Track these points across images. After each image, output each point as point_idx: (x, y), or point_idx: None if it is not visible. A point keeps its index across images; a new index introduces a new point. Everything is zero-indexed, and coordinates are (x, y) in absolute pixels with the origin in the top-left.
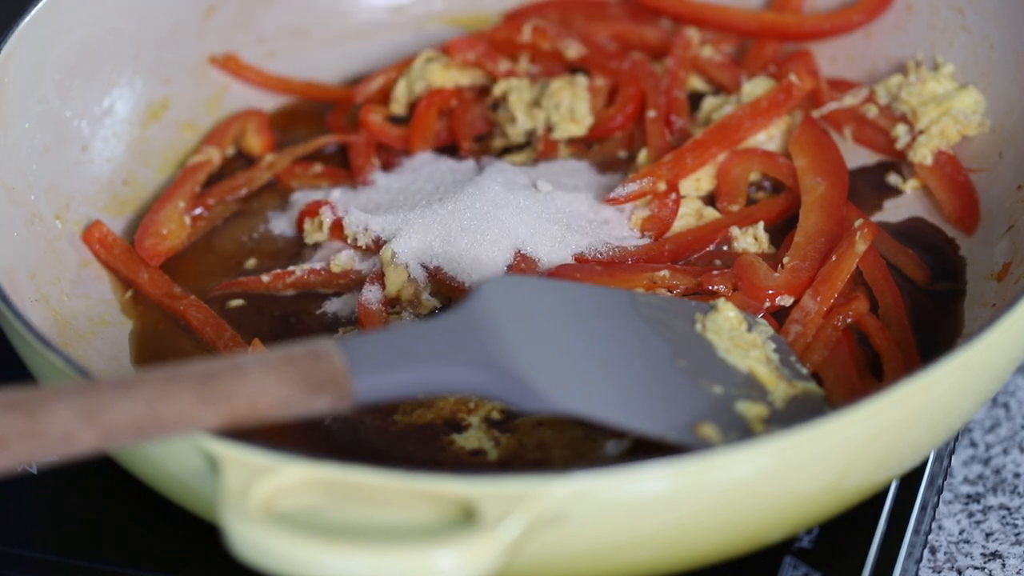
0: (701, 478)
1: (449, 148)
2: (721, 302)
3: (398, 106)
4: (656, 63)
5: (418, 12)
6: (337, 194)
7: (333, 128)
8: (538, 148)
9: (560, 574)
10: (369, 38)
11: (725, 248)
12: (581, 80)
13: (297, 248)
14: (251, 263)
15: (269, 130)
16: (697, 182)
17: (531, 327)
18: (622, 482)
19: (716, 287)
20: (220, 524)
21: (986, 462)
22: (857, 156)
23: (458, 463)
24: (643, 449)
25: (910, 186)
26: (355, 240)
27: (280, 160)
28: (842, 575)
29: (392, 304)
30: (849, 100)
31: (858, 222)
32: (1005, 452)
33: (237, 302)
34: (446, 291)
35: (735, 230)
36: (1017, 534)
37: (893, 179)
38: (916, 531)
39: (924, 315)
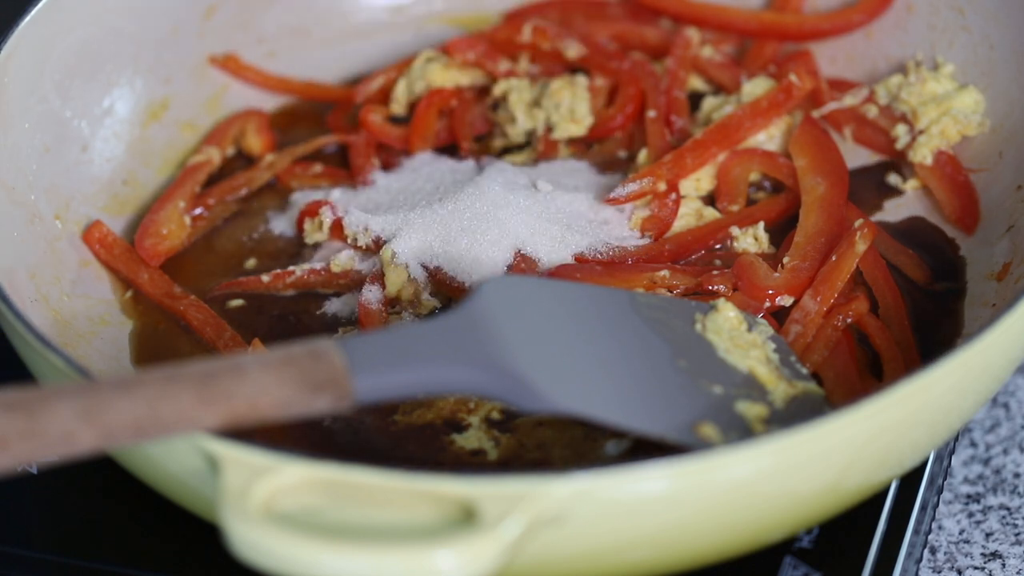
0: (701, 478)
1: (449, 148)
2: (721, 302)
3: (398, 106)
4: (656, 63)
5: (418, 12)
6: (337, 194)
7: (333, 128)
8: (538, 148)
9: (560, 574)
10: (369, 38)
11: (724, 248)
12: (581, 80)
13: (297, 248)
14: (251, 263)
15: (269, 130)
16: (697, 182)
17: (531, 327)
18: (622, 482)
19: (716, 287)
20: (220, 524)
21: (986, 462)
22: (857, 156)
23: (458, 463)
24: (643, 449)
25: (910, 186)
26: (355, 240)
27: (280, 160)
28: (842, 575)
29: (392, 304)
30: (849, 100)
31: (858, 222)
32: (1005, 452)
33: (237, 302)
34: (446, 291)
35: (735, 230)
36: (1017, 534)
37: (893, 179)
38: (916, 531)
39: (924, 315)
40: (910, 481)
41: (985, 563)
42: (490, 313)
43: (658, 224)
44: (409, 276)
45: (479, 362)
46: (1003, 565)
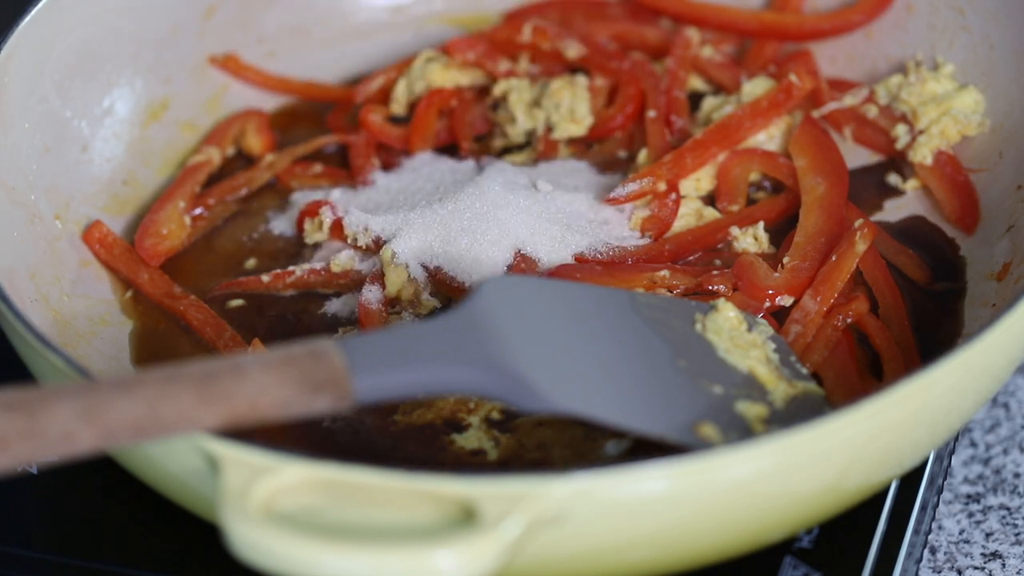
0: (701, 478)
1: (449, 148)
2: (721, 302)
3: (398, 106)
4: (656, 63)
5: (418, 12)
6: (337, 194)
7: (333, 128)
8: (538, 148)
9: (560, 574)
10: (369, 38)
11: (725, 248)
12: (581, 80)
13: (297, 248)
14: (251, 263)
15: (269, 130)
16: (697, 182)
17: (531, 327)
18: (622, 482)
19: (716, 287)
20: (220, 524)
21: (986, 462)
22: (857, 156)
23: (458, 463)
24: (643, 449)
25: (910, 186)
26: (355, 240)
27: (280, 160)
28: (842, 575)
29: (392, 304)
30: (849, 100)
31: (858, 222)
32: (1005, 452)
33: (237, 302)
34: (446, 291)
35: (735, 230)
36: (1017, 534)
37: (893, 179)
38: (916, 531)
39: (924, 315)
40: (910, 481)
41: (985, 563)
42: (490, 313)
43: (658, 224)
44: (409, 276)
45: (479, 362)
46: (1003, 565)
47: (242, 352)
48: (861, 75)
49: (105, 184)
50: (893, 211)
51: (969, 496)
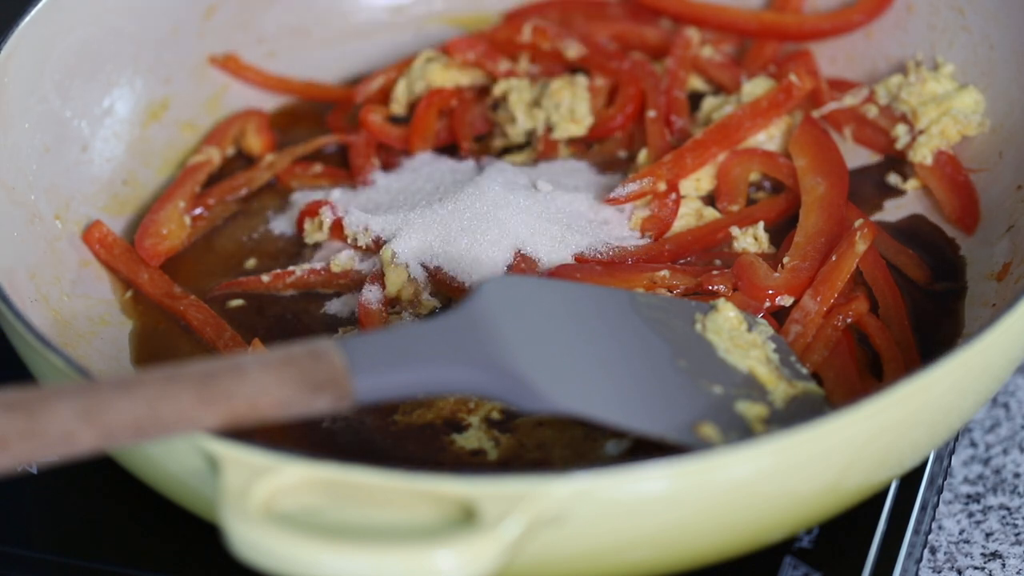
0: (701, 478)
1: (449, 148)
2: (721, 302)
3: (398, 106)
4: (656, 63)
5: (418, 12)
6: (337, 194)
7: (333, 128)
8: (538, 148)
9: (560, 574)
10: (369, 38)
11: (725, 248)
12: (581, 80)
13: (297, 248)
14: (251, 263)
15: (269, 130)
16: (697, 182)
17: (531, 327)
18: (622, 482)
19: (716, 287)
20: (220, 524)
21: (986, 462)
22: (857, 156)
23: (458, 463)
24: (643, 449)
25: (910, 186)
26: (355, 240)
27: (280, 160)
28: (842, 575)
29: (392, 304)
30: (849, 100)
31: (858, 222)
32: (1005, 452)
33: (237, 302)
34: (446, 291)
35: (735, 230)
36: (1017, 534)
37: (893, 179)
38: (916, 531)
39: (924, 315)
40: (910, 481)
41: (985, 563)
42: (490, 313)
43: (658, 224)
44: (409, 276)
45: (479, 362)
46: (1003, 565)
47: (242, 352)
48: (861, 75)
49: (105, 184)
50: (893, 211)
51: (969, 496)
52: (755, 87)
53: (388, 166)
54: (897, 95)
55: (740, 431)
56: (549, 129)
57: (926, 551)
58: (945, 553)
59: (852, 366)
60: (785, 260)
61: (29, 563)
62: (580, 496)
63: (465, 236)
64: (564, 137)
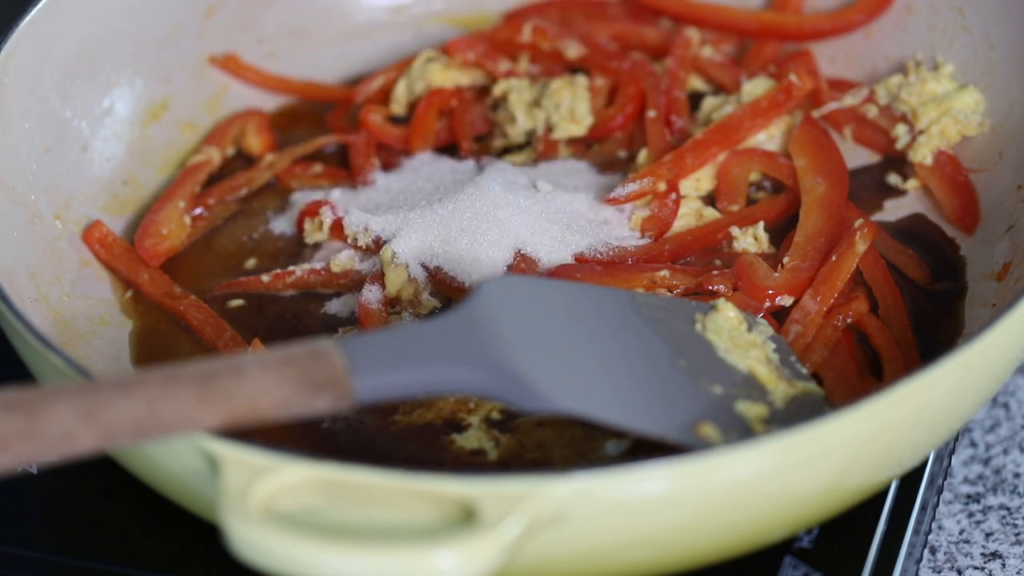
0: (701, 478)
1: (449, 148)
2: (721, 302)
3: (398, 106)
4: (656, 63)
5: (418, 12)
6: (337, 194)
7: (333, 128)
8: (538, 148)
9: (560, 574)
10: (369, 38)
11: (725, 248)
12: (581, 80)
13: (297, 248)
14: (251, 263)
15: (269, 130)
16: (697, 182)
17: (531, 327)
18: (622, 482)
19: (716, 287)
20: (220, 524)
21: (986, 462)
22: (857, 156)
23: (458, 463)
24: (643, 449)
25: (910, 186)
26: (355, 240)
27: (280, 160)
28: (842, 575)
29: (392, 304)
30: (849, 100)
31: (858, 222)
32: (1005, 452)
33: (237, 302)
34: (446, 291)
35: (735, 230)
36: (1017, 534)
37: (893, 179)
38: (916, 531)
39: (924, 315)
40: (910, 481)
41: (985, 563)
42: (490, 313)
43: (658, 224)
44: (409, 276)
45: (479, 362)
46: (1003, 565)
47: (242, 352)
48: (861, 75)
49: (105, 184)
50: (893, 211)
51: (969, 496)
52: (755, 87)
53: (388, 166)
54: (897, 95)
55: (740, 431)
56: (549, 129)
57: (926, 551)
58: (945, 553)
59: (852, 366)
60: (785, 260)
61: (29, 563)
62: (580, 496)
63: (465, 236)
64: (564, 137)
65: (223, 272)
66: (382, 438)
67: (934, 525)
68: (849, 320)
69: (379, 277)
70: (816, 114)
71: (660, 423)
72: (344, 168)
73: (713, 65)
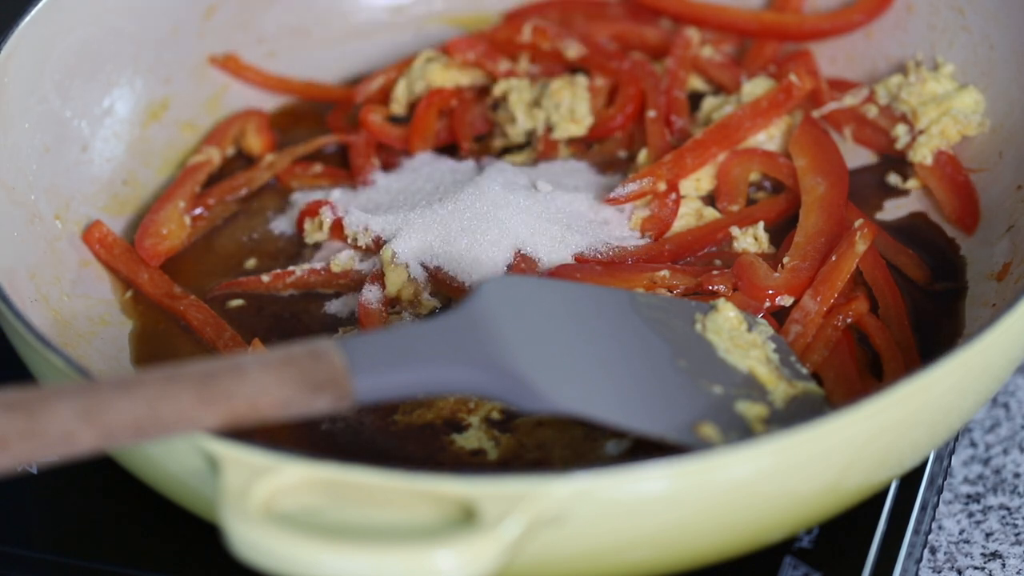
0: (701, 478)
1: (449, 148)
2: (721, 302)
3: (398, 106)
4: (656, 63)
5: (418, 12)
6: (337, 194)
7: (333, 128)
8: (538, 148)
9: (560, 574)
10: (369, 38)
11: (725, 248)
12: (581, 80)
13: (297, 248)
14: (251, 263)
15: (269, 130)
16: (697, 182)
17: (531, 327)
18: (622, 482)
19: (716, 287)
20: (220, 524)
21: (986, 462)
22: (857, 156)
23: (458, 463)
24: (643, 449)
25: (910, 186)
26: (355, 240)
27: (280, 160)
28: (842, 575)
29: (392, 304)
30: (849, 100)
31: (858, 222)
32: (1005, 452)
33: (237, 302)
34: (446, 291)
35: (735, 230)
36: (1017, 534)
37: (893, 179)
38: (916, 531)
39: (924, 315)
40: (910, 481)
41: (985, 563)
42: (490, 313)
43: (658, 224)
44: (409, 276)
45: (479, 362)
46: (1003, 565)
47: (242, 352)
48: (861, 75)
49: (105, 184)
50: (893, 211)
51: (969, 496)
52: (755, 87)
53: (388, 166)
54: (897, 95)
55: (740, 431)
56: (549, 129)
57: (926, 551)
58: (945, 553)
59: (852, 366)
60: (785, 260)
61: (29, 563)
62: (580, 496)
63: (465, 236)
64: (564, 137)
65: (223, 272)
66: (382, 438)
67: (934, 525)
68: (849, 320)
69: (379, 277)
70: (816, 114)
71: (660, 423)
72: (344, 168)
73: (713, 65)
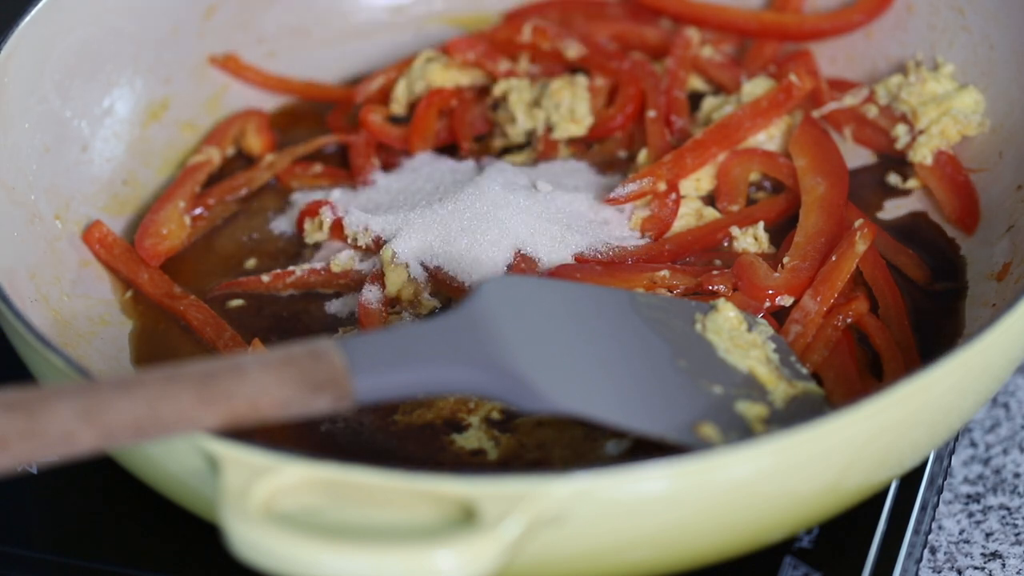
0: (701, 478)
1: (449, 148)
2: (721, 302)
3: (398, 106)
4: (656, 63)
5: (418, 12)
6: (337, 194)
7: (333, 128)
8: (538, 148)
9: (560, 574)
10: (369, 38)
11: (725, 248)
12: (581, 80)
13: (297, 248)
14: (251, 263)
15: (269, 130)
16: (697, 182)
17: (531, 327)
18: (622, 482)
19: (716, 287)
20: (220, 524)
21: (986, 462)
22: (857, 156)
23: (458, 463)
24: (643, 449)
25: (910, 186)
26: (355, 240)
27: (280, 160)
28: (842, 575)
29: (392, 304)
30: (849, 100)
31: (858, 222)
32: (1005, 452)
33: (237, 302)
34: (446, 291)
35: (735, 230)
36: (1017, 534)
37: (893, 179)
38: (916, 531)
39: (924, 315)
40: (910, 481)
41: (985, 563)
42: (490, 313)
43: (658, 224)
44: (409, 276)
45: (479, 362)
46: (1003, 565)
47: (242, 352)
48: (861, 75)
49: (105, 184)
50: (893, 211)
51: (969, 496)
52: (755, 87)
53: (388, 166)
54: (897, 95)
55: (740, 431)
56: (549, 129)
57: (926, 551)
58: (945, 553)
59: (852, 366)
60: (785, 260)
61: (29, 563)
62: (580, 496)
63: (465, 236)
64: (564, 137)
65: (223, 272)
66: (382, 438)
67: (934, 525)
68: (849, 320)
69: (379, 277)
70: (816, 114)
71: (660, 423)
72: (344, 168)
73: (713, 65)
